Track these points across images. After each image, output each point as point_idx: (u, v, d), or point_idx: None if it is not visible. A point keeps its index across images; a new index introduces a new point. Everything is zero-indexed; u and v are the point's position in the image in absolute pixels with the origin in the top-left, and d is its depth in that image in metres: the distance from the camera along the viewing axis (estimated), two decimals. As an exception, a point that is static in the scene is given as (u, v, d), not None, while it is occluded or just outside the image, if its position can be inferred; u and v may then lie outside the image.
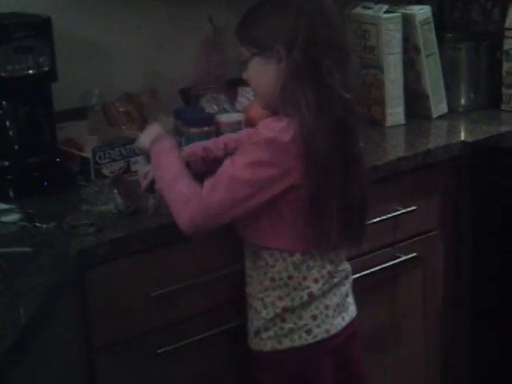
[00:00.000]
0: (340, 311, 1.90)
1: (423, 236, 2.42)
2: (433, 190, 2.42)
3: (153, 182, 1.97)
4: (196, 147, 2.05)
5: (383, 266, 2.29)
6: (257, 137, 1.78)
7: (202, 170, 1.98)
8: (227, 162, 1.79)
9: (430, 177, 2.40)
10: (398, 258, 2.34)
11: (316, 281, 1.86)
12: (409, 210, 2.32)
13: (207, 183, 1.79)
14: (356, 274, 2.04)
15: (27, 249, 1.78)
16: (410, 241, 2.38)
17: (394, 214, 2.30)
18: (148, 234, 1.88)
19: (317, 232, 1.81)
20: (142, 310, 1.89)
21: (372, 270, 2.24)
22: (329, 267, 1.88)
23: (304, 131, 1.75)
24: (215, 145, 2.05)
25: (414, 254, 2.36)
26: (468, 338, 2.53)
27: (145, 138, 1.95)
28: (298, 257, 1.84)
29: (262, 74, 1.83)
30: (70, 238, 1.83)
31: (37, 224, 1.89)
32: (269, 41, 1.80)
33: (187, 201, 1.77)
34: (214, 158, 2.01)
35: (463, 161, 2.45)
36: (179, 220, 1.79)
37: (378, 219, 2.24)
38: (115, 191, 1.98)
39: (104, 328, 1.85)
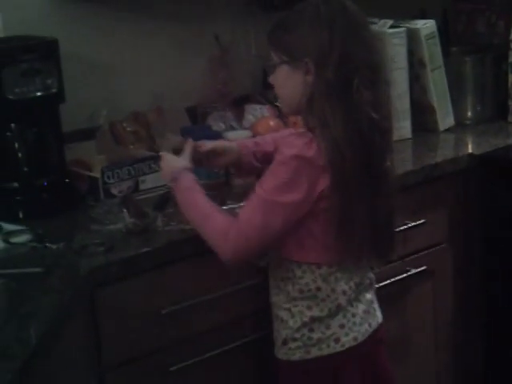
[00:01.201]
0: (366, 318, 1.92)
1: (432, 249, 2.42)
2: (441, 203, 2.42)
3: (161, 200, 1.98)
4: (247, 141, 2.10)
5: (393, 279, 2.29)
6: (280, 156, 1.79)
7: (252, 163, 2.03)
8: (257, 188, 1.80)
9: (438, 190, 2.40)
10: (408, 271, 2.34)
11: (344, 292, 1.87)
12: (418, 223, 2.32)
13: (242, 212, 1.81)
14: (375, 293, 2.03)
15: (38, 269, 1.78)
16: (420, 254, 2.38)
17: (403, 227, 2.29)
18: (157, 251, 1.88)
19: (348, 245, 1.81)
20: (152, 328, 1.90)
21: (382, 283, 2.23)
22: (355, 278, 1.89)
23: (329, 144, 1.76)
24: (263, 140, 2.09)
25: (423, 268, 2.36)
26: (479, 351, 2.52)
27: (166, 173, 1.95)
28: (325, 269, 1.85)
29: (288, 81, 1.85)
30: (80, 258, 1.84)
31: (47, 244, 1.89)
32: (299, 52, 1.80)
33: (225, 234, 1.79)
34: (264, 153, 2.03)
35: (471, 173, 2.45)
36: (221, 255, 1.81)
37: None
38: (124, 210, 1.99)
39: (115, 347, 1.86)
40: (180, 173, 1.90)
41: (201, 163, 2.01)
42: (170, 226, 1.96)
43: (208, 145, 2.02)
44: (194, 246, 1.91)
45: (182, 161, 1.94)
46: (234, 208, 2.02)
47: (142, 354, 1.89)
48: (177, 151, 1.99)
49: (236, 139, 2.31)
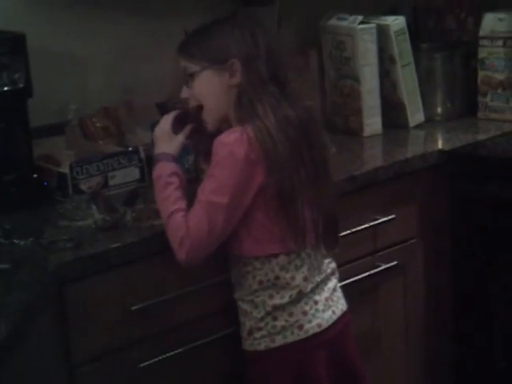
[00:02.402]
0: (330, 306, 1.95)
1: (403, 244, 2.42)
2: (411, 198, 2.43)
3: (130, 196, 1.97)
4: None
5: (364, 275, 2.30)
6: (215, 157, 1.84)
7: None
8: (199, 191, 1.85)
9: (408, 185, 2.41)
10: (379, 266, 2.35)
11: (305, 279, 1.91)
12: (388, 218, 2.33)
13: (190, 217, 1.83)
14: (338, 281, 2.03)
15: (5, 265, 1.77)
16: (390, 249, 2.39)
17: (373, 223, 2.30)
18: (127, 247, 1.87)
19: (291, 228, 1.86)
20: (122, 324, 1.89)
21: (353, 279, 2.24)
22: (316, 265, 1.93)
23: (261, 134, 1.81)
24: None
25: (394, 263, 2.37)
26: (449, 345, 2.53)
27: (156, 137, 1.95)
28: (282, 257, 1.89)
29: (212, 87, 1.89)
30: (49, 254, 1.83)
31: (14, 240, 1.88)
32: (224, 54, 1.86)
33: (180, 238, 1.83)
34: None
35: (441, 169, 2.46)
36: (176, 256, 1.85)
37: (358, 228, 2.25)
38: (93, 206, 1.98)
39: (84, 343, 1.84)
40: (158, 159, 1.91)
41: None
42: (139, 221, 1.95)
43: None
44: (164, 242, 1.90)
45: (170, 143, 1.93)
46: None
47: (111, 350, 1.88)
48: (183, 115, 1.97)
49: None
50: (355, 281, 2.25)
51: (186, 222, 1.84)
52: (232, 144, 1.81)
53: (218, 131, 1.93)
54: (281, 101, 1.84)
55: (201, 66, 1.88)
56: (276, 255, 1.89)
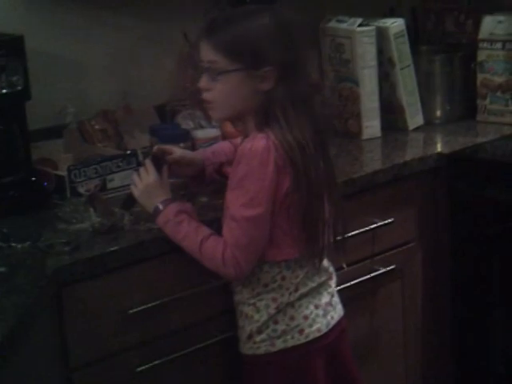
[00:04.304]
0: (329, 310, 1.95)
1: (401, 248, 2.42)
2: (410, 201, 2.42)
3: (128, 199, 1.97)
4: (207, 152, 2.08)
5: (362, 278, 2.29)
6: (243, 167, 1.79)
7: (212, 175, 2.04)
8: (230, 205, 1.81)
9: (406, 189, 2.41)
10: (377, 270, 2.34)
11: (306, 278, 1.90)
12: (386, 222, 2.32)
13: (226, 236, 1.82)
14: (335, 287, 2.03)
15: (2, 269, 1.77)
16: (389, 253, 2.38)
17: (372, 226, 2.30)
18: (124, 251, 1.87)
19: (312, 237, 1.85)
20: (119, 328, 1.88)
21: (351, 282, 2.24)
22: (318, 267, 1.92)
23: (286, 142, 1.78)
24: (220, 148, 2.10)
25: (392, 266, 2.37)
26: (448, 349, 2.53)
27: (148, 208, 1.91)
28: (292, 261, 1.89)
29: (238, 90, 1.81)
30: (46, 257, 1.82)
31: (12, 243, 1.87)
32: (260, 59, 1.78)
33: (222, 260, 1.81)
34: (220, 163, 2.04)
35: (440, 172, 2.45)
36: (227, 277, 1.87)
37: (356, 232, 2.24)
38: (91, 209, 1.98)
39: (81, 347, 1.84)
40: (158, 210, 1.88)
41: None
42: (137, 225, 1.95)
43: (176, 153, 2.01)
44: (161, 246, 1.90)
45: (161, 189, 1.90)
46: (207, 203, 2.04)
47: (108, 354, 1.88)
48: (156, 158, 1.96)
49: (205, 138, 2.32)
50: (353, 284, 2.25)
51: (220, 243, 1.82)
52: (261, 153, 1.77)
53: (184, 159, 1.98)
54: (305, 111, 1.81)
55: (233, 66, 1.78)
56: (288, 260, 1.88)
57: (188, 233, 1.85)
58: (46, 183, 2.14)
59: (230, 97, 1.83)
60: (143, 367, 1.90)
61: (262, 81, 1.79)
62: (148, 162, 1.93)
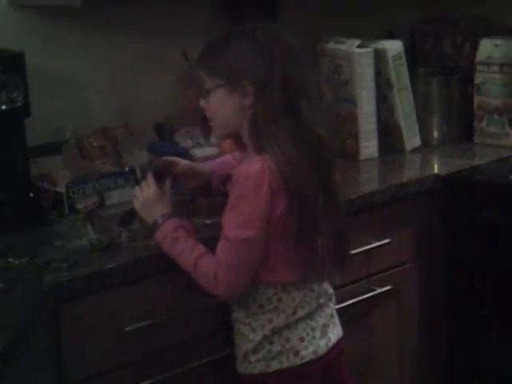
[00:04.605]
0: (326, 332, 1.94)
1: (397, 269, 2.42)
2: (406, 222, 2.43)
3: (126, 216, 1.97)
4: (214, 165, 2.11)
5: (358, 299, 2.29)
6: (238, 189, 1.81)
7: (218, 187, 2.05)
8: (224, 227, 1.83)
9: (403, 210, 2.41)
10: (373, 290, 2.35)
11: (304, 302, 1.90)
12: (383, 242, 2.33)
13: (218, 255, 1.83)
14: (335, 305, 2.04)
15: None
16: (385, 274, 2.38)
17: (368, 246, 2.30)
18: (121, 268, 1.87)
19: (310, 259, 1.85)
20: (115, 345, 1.88)
21: (347, 303, 2.24)
22: (316, 289, 1.92)
23: (282, 165, 1.79)
24: (226, 160, 2.12)
25: (388, 287, 2.37)
26: (444, 370, 2.53)
27: (147, 220, 1.93)
28: (289, 283, 1.89)
29: (224, 106, 1.87)
30: (44, 274, 1.82)
31: (9, 259, 1.87)
32: (236, 74, 1.83)
33: (214, 279, 1.83)
34: (226, 176, 2.03)
35: (436, 194, 2.46)
36: (217, 296, 1.87)
37: (352, 252, 2.24)
38: (88, 226, 1.98)
39: (77, 364, 1.84)
40: (157, 224, 1.89)
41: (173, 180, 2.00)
42: (134, 242, 1.95)
43: (182, 164, 2.02)
44: (159, 263, 1.90)
45: (161, 203, 1.92)
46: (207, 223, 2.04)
47: (104, 370, 1.87)
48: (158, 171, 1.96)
49: (203, 156, 2.33)
50: (349, 304, 2.25)
51: (214, 262, 1.83)
52: (255, 176, 1.79)
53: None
54: (296, 128, 1.82)
55: (215, 82, 1.86)
56: (284, 282, 1.88)
57: (184, 249, 1.86)
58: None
59: (220, 113, 1.89)
60: (139, 384, 1.90)
61: (243, 96, 1.84)
62: (149, 176, 1.95)
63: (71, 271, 1.83)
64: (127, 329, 1.87)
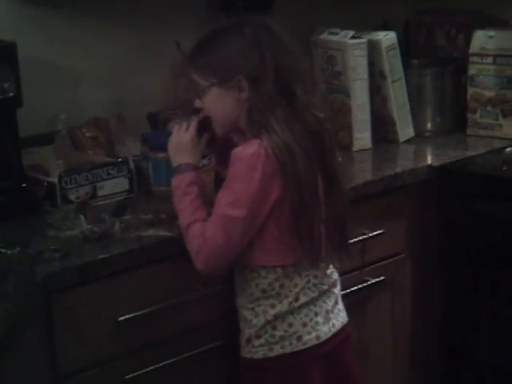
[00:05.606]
0: (329, 318, 1.95)
1: (391, 259, 2.42)
2: (400, 213, 2.43)
3: (118, 206, 1.97)
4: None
5: (352, 289, 2.29)
6: (232, 169, 1.83)
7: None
8: (216, 203, 1.85)
9: (397, 200, 2.41)
10: (367, 281, 2.35)
11: (307, 289, 1.91)
12: (376, 233, 2.33)
13: (206, 229, 1.84)
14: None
15: (-9, 275, 1.76)
16: (378, 264, 2.39)
17: (362, 237, 2.30)
18: (114, 258, 1.87)
19: (307, 244, 1.86)
20: (109, 336, 1.88)
21: (341, 293, 2.23)
22: (319, 275, 1.93)
23: (278, 147, 1.81)
24: None
25: (382, 278, 2.37)
26: (437, 361, 2.53)
27: (173, 150, 1.95)
28: (289, 268, 1.89)
29: (220, 103, 1.89)
30: (36, 264, 1.82)
31: (1, 249, 1.87)
32: (229, 71, 1.85)
33: (197, 250, 1.84)
34: None
35: (430, 184, 2.46)
36: (194, 265, 1.86)
37: (346, 243, 2.25)
38: (81, 216, 1.98)
39: (70, 354, 1.84)
40: (180, 170, 1.92)
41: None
42: (127, 232, 1.95)
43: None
44: (151, 253, 1.90)
45: (192, 152, 1.93)
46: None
47: (97, 361, 1.87)
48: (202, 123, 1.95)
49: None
50: (343, 295, 2.24)
51: (202, 233, 1.84)
52: (250, 158, 1.81)
53: (229, 139, 1.96)
54: (293, 114, 1.84)
55: (209, 81, 1.88)
56: (284, 266, 1.89)
57: (186, 207, 1.88)
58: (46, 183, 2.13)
59: (217, 111, 1.90)
60: (132, 375, 1.90)
61: (238, 91, 1.85)
62: (193, 123, 1.95)
63: (64, 261, 1.83)
64: (120, 319, 1.87)
